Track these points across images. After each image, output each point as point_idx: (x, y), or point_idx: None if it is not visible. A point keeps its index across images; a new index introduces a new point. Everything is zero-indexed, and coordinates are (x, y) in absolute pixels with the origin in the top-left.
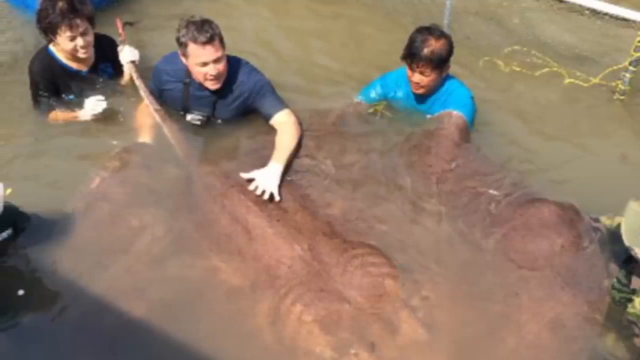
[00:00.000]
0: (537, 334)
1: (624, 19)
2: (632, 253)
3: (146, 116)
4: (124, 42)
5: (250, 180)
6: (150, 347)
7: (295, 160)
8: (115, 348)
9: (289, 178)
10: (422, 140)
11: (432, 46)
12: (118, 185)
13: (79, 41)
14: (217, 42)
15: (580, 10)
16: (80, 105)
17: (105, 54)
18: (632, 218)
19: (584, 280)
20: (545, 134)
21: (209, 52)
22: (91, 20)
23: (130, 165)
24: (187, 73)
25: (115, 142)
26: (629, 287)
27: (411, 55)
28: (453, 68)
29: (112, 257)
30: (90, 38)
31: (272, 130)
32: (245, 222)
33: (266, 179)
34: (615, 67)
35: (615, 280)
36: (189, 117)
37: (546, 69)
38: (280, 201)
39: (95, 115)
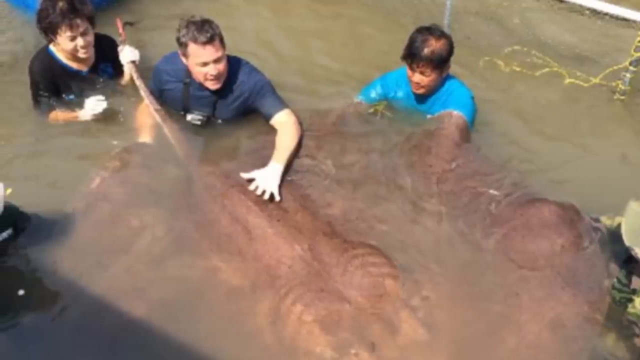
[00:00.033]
0: (537, 334)
1: (624, 19)
2: (633, 253)
3: (146, 116)
4: (124, 42)
5: (251, 180)
6: (150, 347)
7: (295, 160)
8: (115, 348)
9: (289, 178)
10: (422, 140)
11: (433, 46)
12: (118, 185)
13: (79, 41)
14: (217, 42)
15: (580, 10)
16: (80, 105)
17: (105, 54)
18: (632, 218)
19: (584, 280)
20: (546, 134)
21: (209, 52)
22: (91, 20)
23: (131, 165)
24: (188, 73)
25: (115, 142)
26: (629, 287)
27: (411, 55)
28: (453, 68)
29: (112, 257)
30: (90, 38)
31: (273, 130)
32: (246, 222)
33: (266, 179)
34: (615, 67)
35: (615, 280)
36: (189, 117)
37: (546, 69)
38: (280, 201)
39: (95, 115)
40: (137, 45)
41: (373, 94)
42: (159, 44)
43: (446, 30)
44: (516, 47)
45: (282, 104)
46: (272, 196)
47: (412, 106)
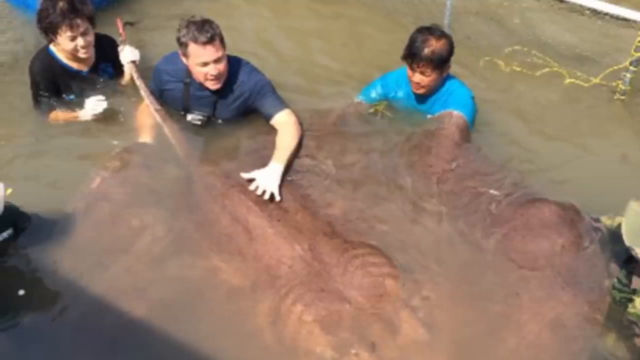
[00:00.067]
0: (537, 334)
1: (625, 19)
2: (633, 253)
3: (147, 116)
4: (124, 42)
5: (251, 180)
6: (150, 347)
7: (295, 160)
8: (115, 348)
9: (289, 178)
10: (422, 140)
11: (433, 46)
12: (118, 185)
13: (80, 41)
14: (217, 42)
15: (580, 10)
16: (80, 105)
17: (105, 54)
18: (632, 218)
19: (584, 280)
20: (546, 134)
21: (210, 52)
22: (92, 20)
23: (131, 165)
24: (188, 73)
25: (115, 142)
26: (630, 287)
27: (412, 55)
28: (453, 68)
29: (112, 257)
30: (90, 38)
31: (273, 130)
32: (246, 222)
33: (267, 179)
34: (615, 67)
35: (615, 280)
36: (189, 117)
37: (547, 69)
38: (280, 201)
39: (95, 115)
40: (138, 45)
41: (373, 94)
42: (159, 44)
43: (446, 30)
44: (516, 47)
45: (283, 104)
46: (272, 196)
47: (412, 106)
